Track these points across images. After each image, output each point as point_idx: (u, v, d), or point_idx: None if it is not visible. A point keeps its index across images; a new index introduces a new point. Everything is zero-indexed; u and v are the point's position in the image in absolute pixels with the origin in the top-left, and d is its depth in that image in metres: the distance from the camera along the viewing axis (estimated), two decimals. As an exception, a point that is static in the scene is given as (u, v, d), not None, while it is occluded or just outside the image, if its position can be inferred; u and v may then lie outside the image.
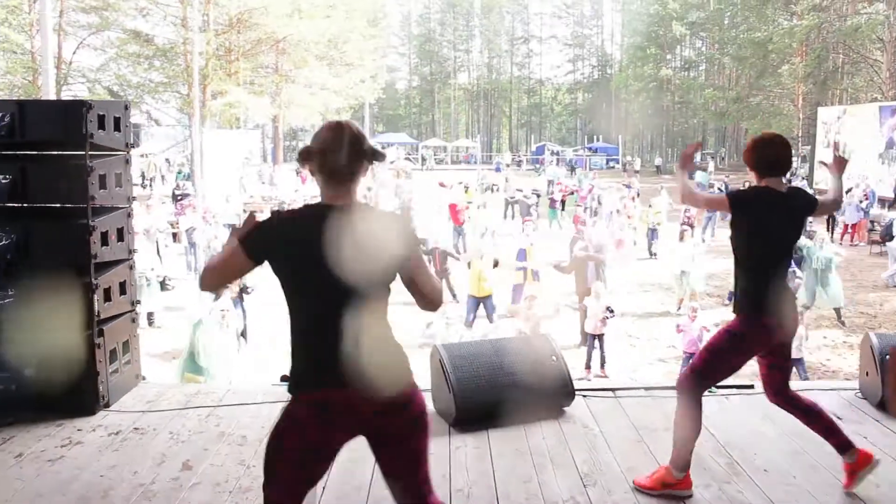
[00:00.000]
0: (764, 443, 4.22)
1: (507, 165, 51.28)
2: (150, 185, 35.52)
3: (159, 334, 11.48)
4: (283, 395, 4.94)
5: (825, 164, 4.15)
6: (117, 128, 4.68)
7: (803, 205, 3.71)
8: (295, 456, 2.38)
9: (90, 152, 4.40)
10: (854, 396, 5.04)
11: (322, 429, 2.36)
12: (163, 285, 13.69)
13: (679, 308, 13.72)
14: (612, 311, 10.53)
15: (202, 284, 2.52)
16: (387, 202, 25.67)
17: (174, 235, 18.81)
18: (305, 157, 2.50)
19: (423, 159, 54.41)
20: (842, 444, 3.65)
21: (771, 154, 3.64)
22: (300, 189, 29.98)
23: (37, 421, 4.32)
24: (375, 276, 2.34)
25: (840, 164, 3.99)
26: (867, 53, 36.66)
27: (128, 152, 4.86)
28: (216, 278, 2.49)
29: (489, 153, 66.16)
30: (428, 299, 2.49)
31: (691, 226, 20.29)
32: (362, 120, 49.27)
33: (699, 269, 14.08)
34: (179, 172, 33.98)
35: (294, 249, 2.34)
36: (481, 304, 11.81)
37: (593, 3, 75.93)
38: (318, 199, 2.49)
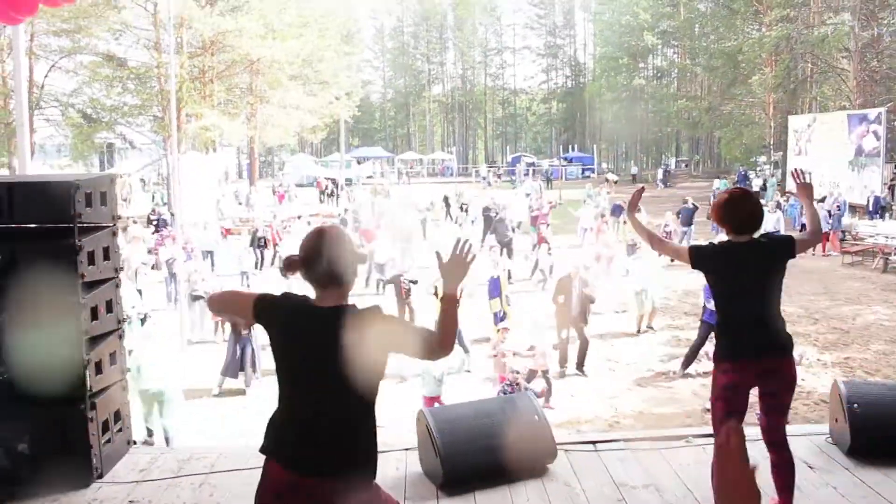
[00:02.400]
0: (739, 497, 4.38)
1: (491, 182, 50.98)
2: (126, 204, 35.30)
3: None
4: (272, 457, 5.06)
5: (793, 194, 4.41)
6: (104, 202, 4.78)
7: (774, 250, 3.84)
8: None
9: (78, 228, 4.50)
10: (825, 441, 5.22)
11: None
12: (143, 322, 13.71)
13: (639, 329, 13.89)
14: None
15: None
16: (365, 221, 25.79)
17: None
18: (289, 266, 2.68)
19: (400, 173, 54.60)
20: None
21: (739, 213, 3.81)
22: (277, 209, 30.09)
23: (32, 496, 4.40)
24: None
25: (806, 190, 4.17)
26: (834, 63, 37.31)
27: (114, 224, 4.96)
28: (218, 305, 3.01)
29: (465, 165, 66.47)
30: (429, 354, 2.63)
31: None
32: (338, 136, 49.47)
33: (657, 286, 14.36)
34: (153, 197, 33.86)
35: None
36: None
37: (565, 13, 76.63)
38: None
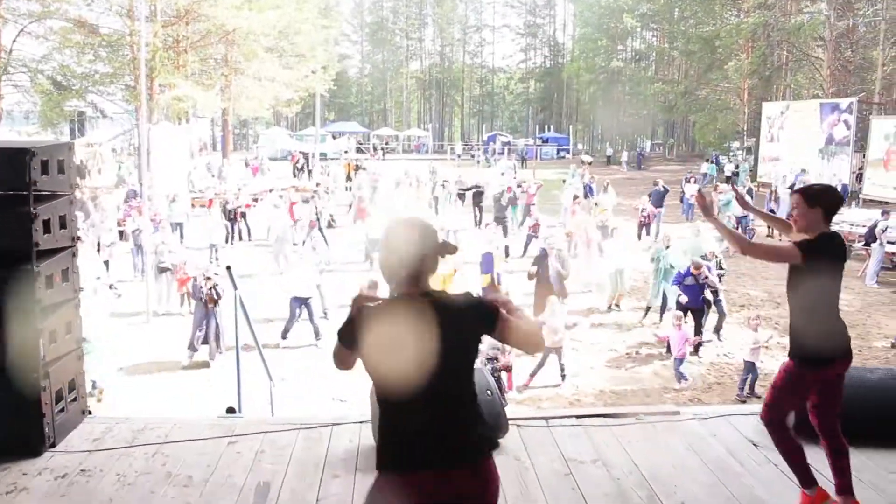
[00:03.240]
0: (685, 475, 4.48)
1: (481, 160, 50.83)
2: (98, 175, 34.68)
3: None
4: (228, 428, 5.10)
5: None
6: (61, 170, 4.75)
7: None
8: None
9: (34, 196, 4.48)
10: (771, 422, 5.34)
11: None
12: (111, 289, 13.67)
13: (610, 307, 14.10)
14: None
15: None
16: (340, 195, 25.71)
17: (120, 234, 18.66)
18: None
19: (375, 148, 54.33)
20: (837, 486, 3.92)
21: (837, 202, 3.88)
22: (249, 183, 29.86)
23: (-17, 464, 4.40)
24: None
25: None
26: (809, 51, 37.59)
27: (72, 193, 4.94)
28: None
29: (440, 142, 66.30)
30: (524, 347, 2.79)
31: (648, 224, 20.74)
32: (313, 110, 49.15)
33: (631, 268, 14.61)
34: (120, 167, 33.32)
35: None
36: None
37: (546, -8, 76.35)
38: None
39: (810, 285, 3.80)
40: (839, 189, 26.45)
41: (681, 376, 10.16)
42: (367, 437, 4.91)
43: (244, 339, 7.94)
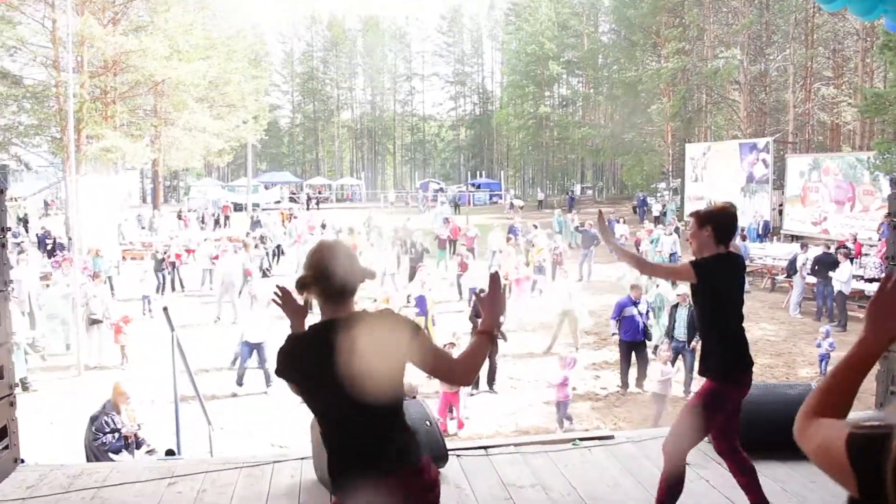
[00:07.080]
0: (621, 493, 4.63)
1: (421, 208, 51.25)
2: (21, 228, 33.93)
3: (33, 398, 11.13)
4: (168, 470, 5.06)
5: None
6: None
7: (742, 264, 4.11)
8: None
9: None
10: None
11: None
12: (33, 348, 13.31)
13: (550, 347, 14.10)
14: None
15: None
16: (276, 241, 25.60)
17: (47, 287, 18.17)
18: (303, 286, 2.61)
19: (308, 198, 54.24)
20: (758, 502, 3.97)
21: (732, 223, 3.99)
22: (180, 234, 29.48)
23: (-89, 515, 4.28)
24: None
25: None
26: (726, 94, 39.19)
27: (3, 237, 4.90)
28: None
29: (373, 190, 66.59)
30: (448, 380, 2.62)
31: (560, 263, 21.08)
32: (245, 161, 48.95)
33: (580, 306, 14.59)
34: (27, 220, 32.82)
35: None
36: None
37: (473, 42, 78.02)
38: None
39: (707, 304, 3.94)
40: (761, 225, 27.73)
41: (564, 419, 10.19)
42: (308, 473, 4.93)
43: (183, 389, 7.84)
